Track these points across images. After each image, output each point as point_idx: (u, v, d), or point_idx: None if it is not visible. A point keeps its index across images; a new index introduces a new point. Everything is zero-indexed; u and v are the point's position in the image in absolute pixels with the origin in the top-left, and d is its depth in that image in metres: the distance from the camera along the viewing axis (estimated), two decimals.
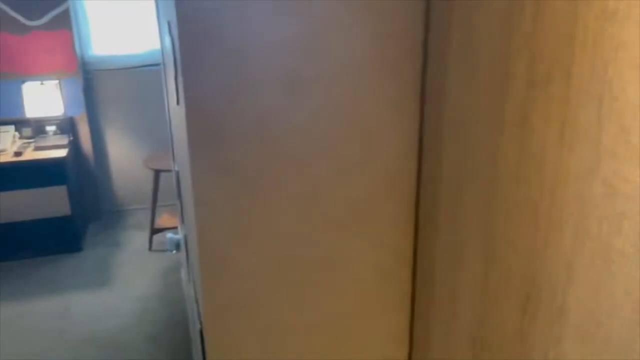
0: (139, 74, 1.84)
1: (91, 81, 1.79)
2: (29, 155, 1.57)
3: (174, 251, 1.57)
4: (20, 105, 1.65)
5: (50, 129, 1.69)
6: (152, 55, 1.78)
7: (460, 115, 0.41)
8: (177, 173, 1.04)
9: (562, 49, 0.26)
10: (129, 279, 1.58)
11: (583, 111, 0.25)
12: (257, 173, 0.45)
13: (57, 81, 1.63)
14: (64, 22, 1.63)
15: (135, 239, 1.83)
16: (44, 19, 1.61)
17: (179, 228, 1.39)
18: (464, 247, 0.42)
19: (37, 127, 1.68)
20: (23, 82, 1.63)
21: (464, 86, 0.39)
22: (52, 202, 1.60)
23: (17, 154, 1.57)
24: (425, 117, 0.46)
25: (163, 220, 1.73)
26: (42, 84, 1.59)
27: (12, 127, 1.64)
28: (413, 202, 0.50)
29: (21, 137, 1.68)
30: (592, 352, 0.27)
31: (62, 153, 1.58)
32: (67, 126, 1.72)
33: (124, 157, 1.94)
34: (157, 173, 1.61)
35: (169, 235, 1.53)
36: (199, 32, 0.39)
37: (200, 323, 0.66)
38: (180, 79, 0.43)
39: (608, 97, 0.23)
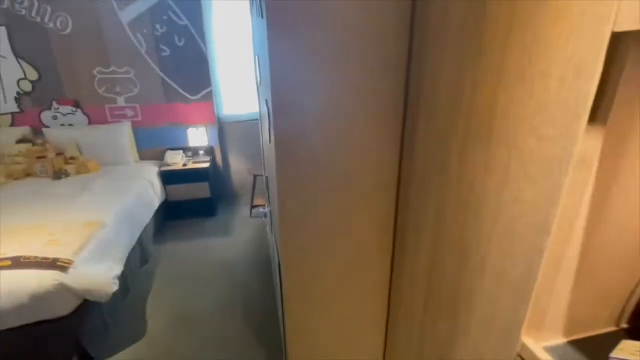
0: (247, 124, 3.30)
1: (222, 127, 3.27)
2: (190, 165, 2.97)
3: (263, 218, 2.88)
4: (186, 140, 3.14)
5: (201, 152, 3.14)
6: (254, 114, 3.24)
7: (424, 144, 0.81)
8: (267, 178, 1.72)
9: (486, 115, 0.58)
10: (239, 231, 2.86)
11: (499, 152, 0.56)
12: (308, 179, 0.96)
13: (205, 128, 3.08)
14: (209, 96, 3.08)
15: (243, 210, 3.20)
16: (199, 95, 3.08)
17: (266, 205, 2.69)
18: (424, 228, 0.84)
19: (194, 151, 3.15)
20: (187, 127, 3.13)
21: (429, 126, 0.78)
22: (200, 190, 2.99)
23: (184, 165, 3.00)
24: (405, 143, 0.92)
25: (257, 200, 3.09)
26: (197, 129, 3.06)
27: (181, 151, 3.11)
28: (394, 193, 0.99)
29: (186, 156, 3.16)
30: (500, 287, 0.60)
31: (206, 165, 2.97)
32: (209, 151, 3.16)
33: (238, 166, 3.42)
34: (255, 176, 3.00)
35: (261, 209, 2.78)
36: (283, 109, 0.86)
37: (279, 260, 1.18)
38: (272, 130, 0.92)
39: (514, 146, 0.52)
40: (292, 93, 0.92)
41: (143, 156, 3.11)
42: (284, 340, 1.22)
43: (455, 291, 0.75)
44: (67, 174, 2.60)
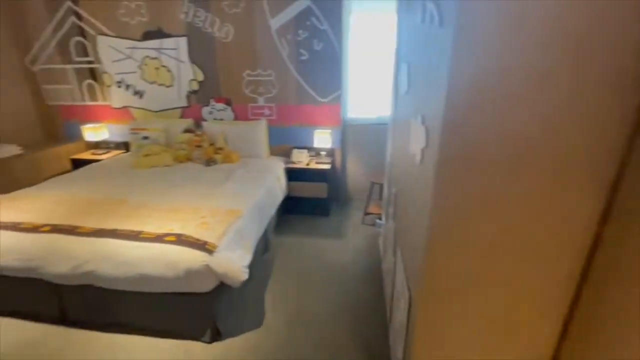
0: (369, 128, 3.25)
1: (345, 130, 3.32)
2: (312, 165, 3.09)
3: (377, 228, 2.73)
4: (311, 140, 3.28)
5: (323, 153, 3.26)
6: (378, 119, 3.16)
7: None
8: (395, 194, 1.71)
9: None
10: (350, 235, 2.84)
11: None
12: (475, 218, 0.84)
13: (330, 131, 3.16)
14: (338, 99, 3.14)
15: (355, 214, 3.18)
16: (328, 98, 3.16)
17: (383, 217, 2.56)
18: None
19: (317, 151, 3.29)
20: (314, 128, 3.27)
21: None
22: (318, 190, 3.09)
23: (307, 164, 3.14)
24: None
25: (371, 208, 3.02)
26: (323, 130, 3.16)
27: (306, 151, 3.27)
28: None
29: (309, 156, 3.31)
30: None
31: (327, 167, 3.05)
32: (331, 153, 3.25)
33: (355, 170, 3.42)
34: (372, 184, 2.93)
35: (377, 220, 2.59)
36: (457, 131, 0.76)
37: (409, 292, 1.14)
38: (429, 152, 0.89)
39: None
40: (475, 114, 0.76)
41: (272, 152, 3.39)
42: None
43: None
44: (215, 162, 3.03)
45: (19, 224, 1.89)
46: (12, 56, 3.49)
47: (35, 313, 1.93)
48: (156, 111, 3.51)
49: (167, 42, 3.20)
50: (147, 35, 3.22)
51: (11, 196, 2.32)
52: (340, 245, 2.71)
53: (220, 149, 3.13)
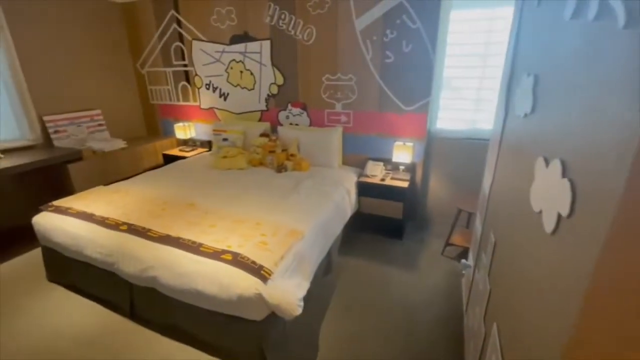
0: (459, 143, 2.78)
1: (430, 143, 2.91)
2: (388, 181, 2.74)
3: (464, 272, 2.10)
4: (389, 151, 2.96)
5: (401, 167, 2.91)
6: (471, 132, 2.67)
7: None
8: (495, 244, 1.28)
9: None
10: (426, 268, 2.43)
11: None
12: None
13: (412, 144, 2.79)
14: (424, 108, 2.74)
15: (433, 242, 2.76)
16: (414, 106, 2.79)
17: (470, 258, 2.05)
18: None
19: (394, 165, 2.96)
20: (394, 139, 2.94)
21: None
22: (392, 209, 2.75)
23: (382, 179, 2.78)
24: None
25: (455, 238, 2.57)
26: (404, 144, 2.80)
27: (381, 164, 2.96)
28: None
29: (385, 169, 3.01)
30: None
31: (405, 184, 2.69)
32: (411, 167, 2.87)
33: (437, 190, 2.99)
34: (460, 211, 2.47)
35: (464, 261, 1.95)
36: None
37: None
38: (602, 242, 0.47)
39: None
40: None
41: (345, 161, 3.17)
42: None
43: None
44: (285, 169, 2.94)
45: (106, 219, 2.04)
46: (128, 61, 3.97)
47: (114, 304, 2.06)
48: (238, 113, 3.60)
49: (252, 46, 3.23)
50: (234, 40, 3.29)
51: (112, 188, 2.56)
52: (413, 279, 2.35)
53: (293, 155, 3.03)
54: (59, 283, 2.31)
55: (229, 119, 3.63)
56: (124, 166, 3.49)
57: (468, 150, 2.72)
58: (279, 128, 3.24)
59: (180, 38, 3.58)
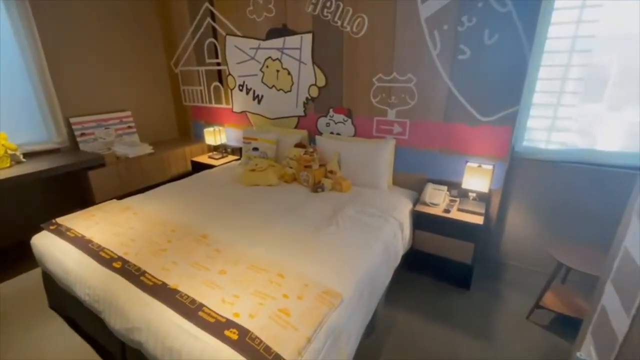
0: (561, 167, 2.06)
1: (515, 165, 2.21)
2: (454, 214, 2.09)
3: None
4: (456, 173, 2.31)
5: (472, 195, 2.24)
6: (582, 155, 1.95)
7: None
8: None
9: None
10: (505, 337, 1.77)
11: None
12: None
13: (491, 166, 2.12)
14: (509, 120, 2.06)
15: (512, 297, 2.09)
16: (494, 117, 2.12)
17: (592, 354, 1.33)
18: None
19: (462, 191, 2.30)
20: (463, 159, 2.28)
21: None
22: (459, 251, 2.08)
23: (446, 211, 2.12)
24: None
25: (549, 299, 1.87)
26: (480, 167, 2.14)
27: (445, 188, 2.31)
28: None
29: (450, 195, 2.34)
30: None
31: (478, 220, 2.00)
32: (485, 195, 2.21)
33: (520, 228, 2.30)
34: (560, 265, 1.77)
35: (580, 355, 1.40)
36: None
37: None
38: None
39: None
40: None
41: (396, 181, 2.58)
42: None
43: None
44: (322, 189, 2.43)
45: (102, 249, 1.67)
46: (162, 59, 3.72)
47: (106, 350, 1.70)
48: (272, 119, 3.16)
49: (291, 41, 2.75)
50: (271, 34, 2.84)
51: (124, 204, 2.24)
52: (488, 351, 1.71)
53: (332, 172, 2.51)
54: (58, 312, 2.02)
55: (262, 125, 3.21)
56: (149, 173, 3.21)
57: (575, 179, 2.01)
58: (318, 138, 2.74)
59: (214, 33, 3.21)
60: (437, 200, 2.21)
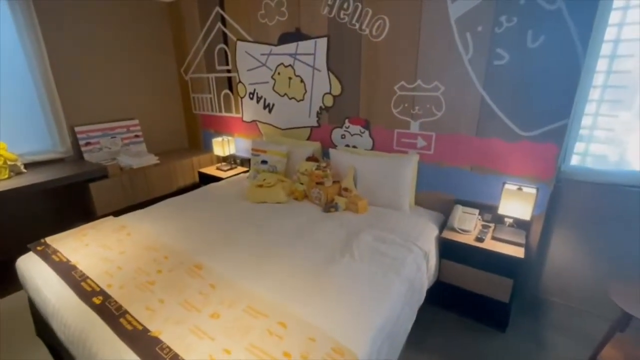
0: (614, 192, 1.74)
1: (561, 188, 1.90)
2: (489, 244, 1.79)
3: None
4: (490, 195, 2.01)
5: (508, 221, 1.91)
6: None
7: None
8: None
9: None
10: None
11: None
12: None
13: (535, 191, 1.80)
14: (556, 135, 1.76)
15: (558, 344, 1.77)
16: (537, 132, 1.82)
17: None
18: None
19: (496, 215, 2.01)
20: (498, 179, 1.97)
21: None
22: (494, 287, 1.77)
23: (479, 239, 1.82)
24: None
25: (607, 353, 1.55)
26: (520, 189, 1.84)
27: (477, 212, 2.01)
28: None
29: (483, 220, 2.02)
30: None
31: (519, 253, 1.70)
32: (525, 225, 1.88)
33: (566, 258, 1.97)
34: (628, 317, 1.45)
35: None
36: None
37: None
38: None
39: None
40: None
41: (419, 201, 2.30)
42: None
43: None
44: (335, 209, 2.18)
45: (85, 278, 1.49)
46: (172, 66, 3.60)
47: None
48: (283, 129, 2.95)
49: (304, 46, 2.54)
50: (284, 39, 2.64)
51: (120, 222, 2.07)
52: None
53: (346, 190, 2.26)
54: (44, 341, 1.84)
55: (272, 135, 3.00)
56: (154, 185, 3.06)
57: (620, 203, 1.69)
58: (332, 151, 2.50)
59: (225, 39, 3.05)
60: (468, 226, 1.92)
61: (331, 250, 1.70)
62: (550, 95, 1.72)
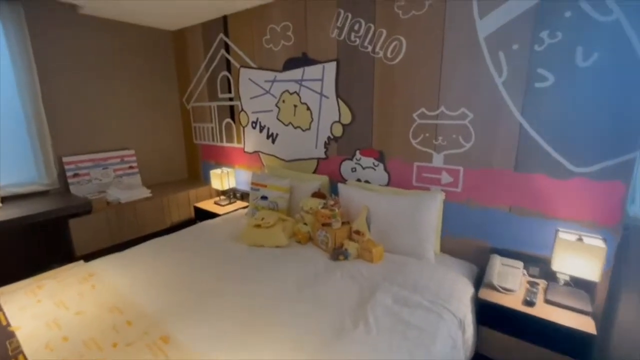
0: None
1: (627, 237, 1.53)
2: (541, 309, 1.40)
3: None
4: (538, 244, 1.64)
5: (564, 278, 1.51)
6: None
7: None
8: None
9: None
10: None
11: None
12: None
13: (603, 242, 1.41)
14: (620, 173, 1.43)
15: None
16: (594, 167, 1.49)
17: None
18: None
19: (544, 269, 1.62)
20: (556, 229, 1.54)
21: None
22: None
23: (528, 302, 1.42)
24: None
25: None
26: (580, 239, 1.46)
27: (521, 265, 1.62)
28: None
29: (528, 275, 1.63)
30: None
31: (588, 326, 1.29)
32: (588, 285, 1.47)
33: (635, 319, 1.54)
34: None
35: None
36: None
37: None
38: None
39: None
40: None
41: (445, 246, 1.93)
42: None
43: None
44: (345, 256, 1.83)
45: (18, 354, 1.14)
46: (175, 95, 3.45)
47: None
48: (287, 160, 2.67)
49: (311, 71, 2.33)
50: (289, 64, 2.44)
51: (88, 269, 1.76)
52: None
53: (358, 233, 1.91)
54: None
55: (276, 168, 2.72)
56: (144, 221, 2.77)
57: None
58: (341, 186, 2.18)
59: (228, 66, 2.89)
60: (512, 284, 1.53)
61: (340, 315, 1.33)
62: (610, 123, 1.40)
